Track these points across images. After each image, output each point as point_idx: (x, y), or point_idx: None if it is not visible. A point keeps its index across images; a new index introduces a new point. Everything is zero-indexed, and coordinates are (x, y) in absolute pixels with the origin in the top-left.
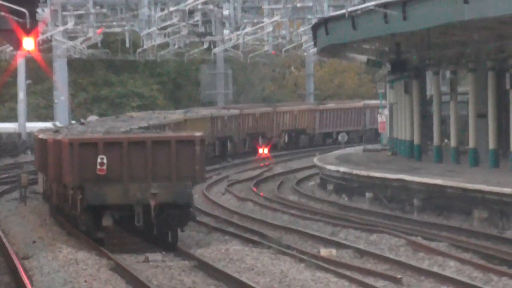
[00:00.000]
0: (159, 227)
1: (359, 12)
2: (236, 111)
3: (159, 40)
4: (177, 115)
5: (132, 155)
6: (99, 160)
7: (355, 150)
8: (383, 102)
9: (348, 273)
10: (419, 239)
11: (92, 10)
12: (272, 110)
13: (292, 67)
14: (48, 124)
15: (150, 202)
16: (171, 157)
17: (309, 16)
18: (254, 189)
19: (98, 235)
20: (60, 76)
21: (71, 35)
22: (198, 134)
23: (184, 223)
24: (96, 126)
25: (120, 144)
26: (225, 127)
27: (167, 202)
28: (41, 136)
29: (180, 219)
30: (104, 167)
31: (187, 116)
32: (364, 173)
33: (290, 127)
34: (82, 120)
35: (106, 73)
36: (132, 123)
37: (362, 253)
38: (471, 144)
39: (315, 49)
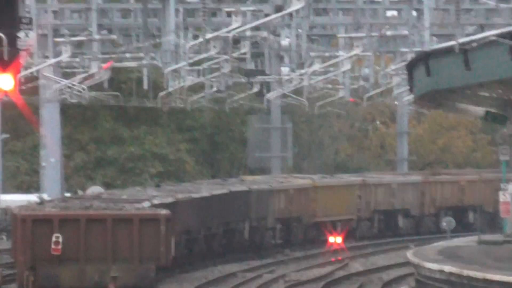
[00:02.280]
0: None
1: (474, 44)
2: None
3: (190, 81)
4: (303, 179)
5: (90, 233)
6: (53, 239)
7: (466, 241)
8: (507, 174)
9: None
10: None
11: (96, 36)
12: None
13: (378, 122)
14: (31, 197)
15: (109, 287)
16: (133, 236)
17: (403, 49)
18: None
19: None
20: (50, 129)
21: (66, 71)
22: (163, 212)
23: None
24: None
25: (78, 221)
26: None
27: (128, 287)
28: (21, 212)
29: None
30: (59, 247)
31: (321, 182)
32: (479, 275)
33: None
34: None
35: (115, 126)
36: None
37: None
38: None
39: (411, 97)
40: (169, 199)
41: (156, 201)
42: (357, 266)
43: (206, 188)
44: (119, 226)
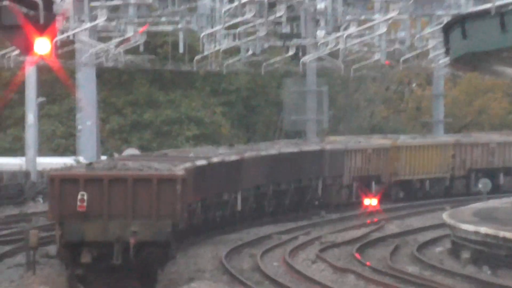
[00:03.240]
0: (138, 265)
1: (511, 7)
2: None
3: (226, 44)
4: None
5: (112, 192)
6: (79, 197)
7: (502, 203)
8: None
9: None
10: None
11: (132, 0)
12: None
13: (414, 84)
14: (68, 160)
15: (130, 240)
16: (152, 195)
17: (440, 12)
18: (358, 256)
19: (77, 271)
20: (86, 93)
21: (102, 35)
22: (180, 173)
23: (163, 263)
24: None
25: (101, 181)
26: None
27: (146, 241)
28: (51, 173)
29: (159, 258)
30: (84, 204)
31: (402, 142)
32: None
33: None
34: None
35: (151, 90)
36: None
37: None
38: None
39: (447, 60)
40: (234, 157)
41: (216, 159)
42: (392, 228)
43: (277, 147)
44: (139, 185)
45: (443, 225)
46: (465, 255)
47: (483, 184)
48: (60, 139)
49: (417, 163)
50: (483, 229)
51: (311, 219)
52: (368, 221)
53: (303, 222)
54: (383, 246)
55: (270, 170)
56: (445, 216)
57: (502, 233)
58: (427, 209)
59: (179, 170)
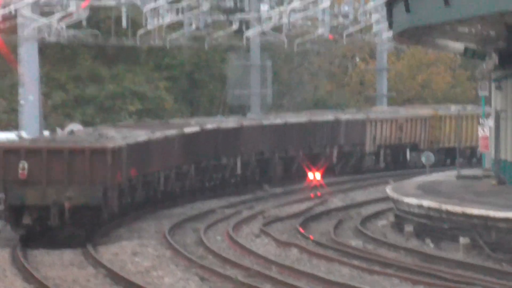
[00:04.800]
0: (72, 226)
1: None
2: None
3: (169, 18)
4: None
5: (50, 162)
6: (20, 166)
7: (445, 176)
8: (486, 109)
9: None
10: None
11: None
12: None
13: (357, 59)
14: (11, 135)
15: (65, 204)
16: (85, 164)
17: None
18: (301, 229)
19: (19, 231)
20: (29, 68)
21: (44, 10)
22: (110, 145)
23: (95, 225)
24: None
25: (41, 152)
26: None
27: (80, 204)
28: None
29: (91, 220)
30: (25, 172)
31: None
32: (457, 209)
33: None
34: None
35: (94, 65)
36: None
37: None
38: None
39: (390, 34)
40: (232, 124)
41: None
42: (336, 202)
43: (284, 117)
44: (74, 156)
45: (386, 198)
46: (408, 228)
47: (426, 157)
48: (2, 114)
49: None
50: (426, 203)
51: (254, 193)
52: (312, 194)
53: (246, 197)
54: (327, 220)
55: (276, 138)
56: (388, 190)
57: (444, 206)
58: (370, 183)
59: (112, 143)
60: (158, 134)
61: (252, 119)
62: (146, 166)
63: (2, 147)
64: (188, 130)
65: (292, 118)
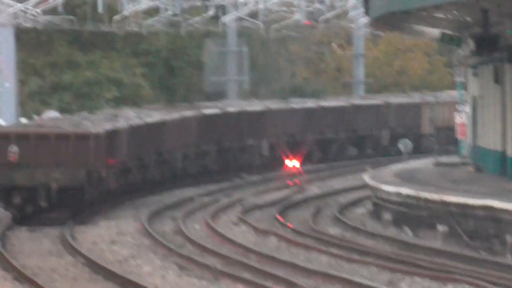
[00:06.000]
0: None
1: None
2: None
3: (145, 4)
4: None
5: (38, 146)
6: (10, 149)
7: (423, 163)
8: (463, 94)
9: None
10: None
11: None
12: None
13: (334, 45)
14: None
15: (52, 185)
16: (70, 148)
17: None
18: (280, 218)
19: (10, 211)
20: (5, 54)
21: None
22: (93, 131)
23: (80, 204)
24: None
25: (29, 137)
26: None
27: (65, 185)
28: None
29: (76, 200)
30: (15, 155)
31: None
32: (435, 197)
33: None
34: None
35: (70, 51)
36: None
37: None
38: None
39: (366, 19)
40: (257, 107)
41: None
42: (314, 189)
43: (331, 101)
44: (60, 141)
45: (364, 186)
46: (387, 216)
47: (403, 144)
48: None
49: None
50: (404, 190)
51: (232, 181)
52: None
53: (223, 184)
54: (305, 208)
55: (310, 121)
56: (366, 177)
57: (422, 194)
58: (347, 170)
59: (95, 128)
60: (175, 115)
61: (279, 102)
62: (159, 145)
63: None
64: (207, 111)
65: (324, 102)
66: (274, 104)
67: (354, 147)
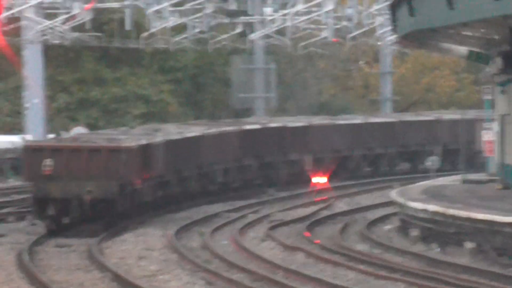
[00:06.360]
0: (92, 217)
1: None
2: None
3: (172, 21)
4: None
5: (72, 159)
6: (45, 163)
7: (450, 181)
8: (491, 112)
9: None
10: None
11: None
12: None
13: (361, 62)
14: (14, 138)
15: (85, 197)
16: (102, 162)
17: None
18: (307, 234)
19: (44, 222)
20: (33, 71)
21: (48, 12)
22: (124, 145)
23: (113, 216)
24: None
25: (63, 151)
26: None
27: (98, 198)
28: (25, 143)
29: (109, 212)
30: (50, 168)
31: None
32: (463, 214)
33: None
34: None
35: (98, 67)
36: None
37: None
38: None
39: (394, 37)
40: (301, 124)
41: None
42: (341, 206)
43: (381, 117)
44: (93, 154)
45: (391, 203)
46: (414, 233)
47: (432, 161)
48: (6, 117)
49: None
50: (432, 207)
51: (260, 198)
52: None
53: (251, 201)
54: (332, 224)
55: (357, 137)
56: (394, 194)
57: (450, 211)
58: (375, 187)
59: (127, 143)
60: (213, 130)
61: (324, 118)
62: (199, 159)
63: (30, 146)
64: (248, 127)
65: (374, 118)
66: (317, 120)
67: (406, 162)
